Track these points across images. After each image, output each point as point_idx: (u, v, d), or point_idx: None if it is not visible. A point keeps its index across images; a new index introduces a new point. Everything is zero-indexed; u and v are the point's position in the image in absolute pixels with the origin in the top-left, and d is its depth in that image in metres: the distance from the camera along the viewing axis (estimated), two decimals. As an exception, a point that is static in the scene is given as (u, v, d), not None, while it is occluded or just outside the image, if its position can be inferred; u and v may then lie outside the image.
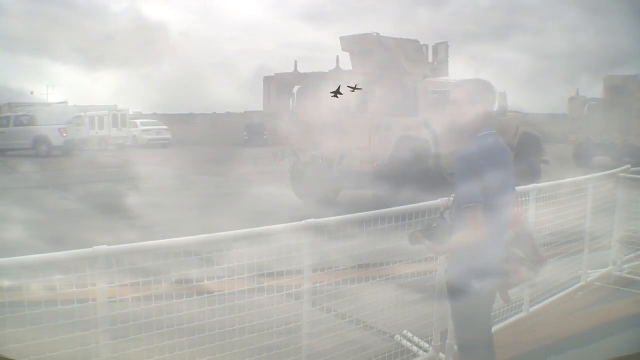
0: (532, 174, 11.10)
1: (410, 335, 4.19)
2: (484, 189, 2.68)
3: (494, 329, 3.75)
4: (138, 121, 31.56)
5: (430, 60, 11.99)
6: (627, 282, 5.87)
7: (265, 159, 16.39)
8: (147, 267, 2.90)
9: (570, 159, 19.49)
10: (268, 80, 12.10)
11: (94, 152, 25.44)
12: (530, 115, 13.99)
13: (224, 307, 3.11)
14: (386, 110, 10.61)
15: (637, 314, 5.04)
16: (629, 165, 6.28)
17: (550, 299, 5.20)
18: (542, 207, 4.96)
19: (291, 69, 11.91)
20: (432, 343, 4.04)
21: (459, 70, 12.18)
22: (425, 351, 4.07)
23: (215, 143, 29.02)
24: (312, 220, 3.34)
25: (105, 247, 2.68)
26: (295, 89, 11.86)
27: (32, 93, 30.42)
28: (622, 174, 6.01)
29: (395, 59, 11.23)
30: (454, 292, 2.89)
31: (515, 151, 11.58)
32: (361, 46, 11.34)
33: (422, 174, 9.84)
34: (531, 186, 4.96)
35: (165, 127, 31.78)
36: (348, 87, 9.04)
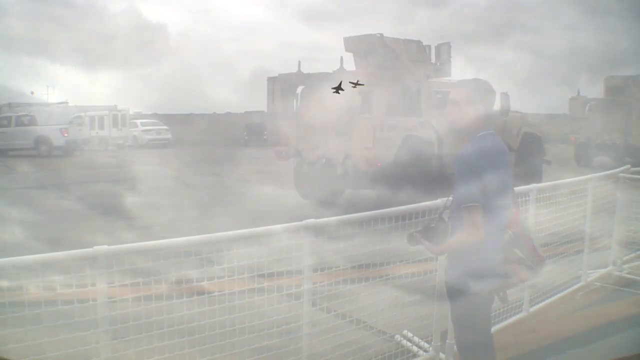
0: (534, 174, 11.12)
1: (410, 335, 4.19)
2: (482, 189, 2.68)
3: (494, 329, 3.74)
4: (138, 121, 31.61)
5: (433, 60, 12.00)
6: (627, 282, 5.87)
7: (265, 159, 16.41)
8: (147, 267, 2.89)
9: (571, 159, 19.50)
10: (272, 80, 12.07)
11: (94, 152, 25.49)
12: (529, 115, 14.00)
13: (224, 307, 3.11)
14: (390, 111, 10.61)
15: (637, 314, 5.03)
16: (628, 165, 6.28)
17: (550, 299, 5.19)
18: (542, 207, 4.96)
19: (291, 69, 11.91)
20: (432, 343, 4.03)
21: (458, 70, 12.18)
22: (425, 351, 4.07)
23: (215, 143, 29.06)
24: (311, 220, 3.34)
25: (105, 247, 2.68)
26: (299, 90, 11.86)
27: (32, 93, 30.53)
28: (622, 174, 6.01)
29: (399, 60, 11.24)
30: (453, 292, 2.89)
31: (517, 151, 11.61)
32: (365, 47, 11.35)
33: (426, 174, 9.85)
34: (531, 186, 4.96)
35: (165, 127, 31.83)
36: (351, 83, 9.03)
